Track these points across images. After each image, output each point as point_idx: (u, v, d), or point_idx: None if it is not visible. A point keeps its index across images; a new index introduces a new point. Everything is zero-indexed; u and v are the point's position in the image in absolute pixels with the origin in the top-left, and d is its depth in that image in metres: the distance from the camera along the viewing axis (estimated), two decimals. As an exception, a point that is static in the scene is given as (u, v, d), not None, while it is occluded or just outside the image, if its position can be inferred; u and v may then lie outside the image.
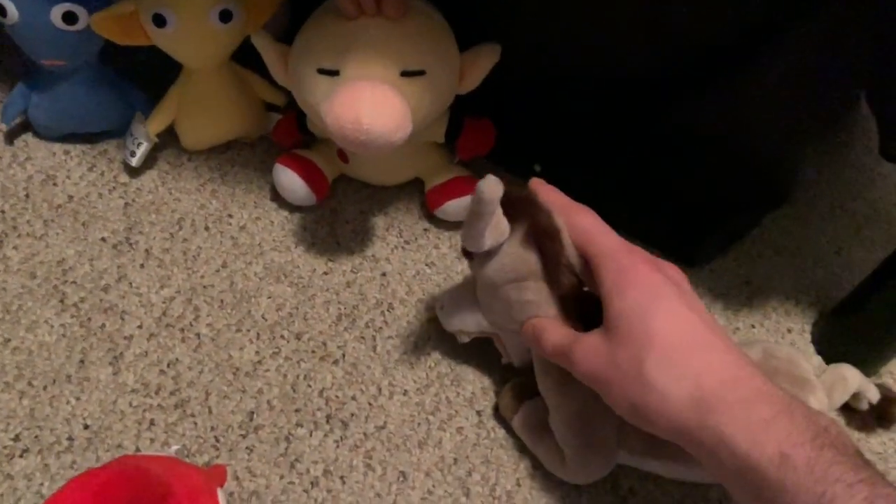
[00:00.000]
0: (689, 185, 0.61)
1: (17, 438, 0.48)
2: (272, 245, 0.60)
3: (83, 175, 0.62)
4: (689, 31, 0.50)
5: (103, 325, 0.53)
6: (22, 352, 0.51)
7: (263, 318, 0.56)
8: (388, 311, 0.57)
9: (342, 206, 0.63)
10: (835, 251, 0.66)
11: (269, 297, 0.57)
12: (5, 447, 0.47)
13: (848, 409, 0.54)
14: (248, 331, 0.55)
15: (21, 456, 0.47)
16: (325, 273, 0.59)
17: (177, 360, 0.53)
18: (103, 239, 0.58)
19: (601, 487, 0.50)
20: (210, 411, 0.51)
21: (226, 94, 0.61)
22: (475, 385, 0.54)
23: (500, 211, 0.40)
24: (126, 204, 0.61)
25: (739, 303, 0.62)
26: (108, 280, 0.56)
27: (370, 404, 0.52)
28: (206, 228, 0.60)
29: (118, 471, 0.31)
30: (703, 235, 0.62)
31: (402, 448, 0.51)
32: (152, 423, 0.50)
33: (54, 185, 0.61)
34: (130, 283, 0.56)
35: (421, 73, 0.51)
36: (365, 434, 0.51)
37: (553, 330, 0.43)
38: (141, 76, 0.63)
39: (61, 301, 0.54)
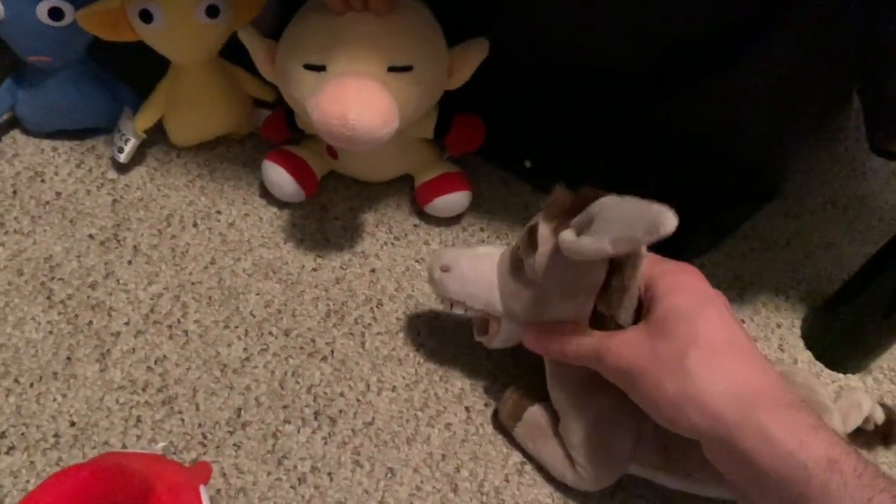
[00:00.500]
0: (678, 180, 0.60)
1: (2, 435, 0.48)
2: (261, 241, 0.60)
3: (71, 171, 0.62)
4: (677, 26, 0.50)
5: (90, 322, 0.53)
6: (8, 349, 0.51)
7: (252, 314, 0.55)
8: (377, 307, 0.57)
9: (331, 203, 0.63)
10: (825, 246, 0.66)
11: (258, 294, 0.57)
12: (-9, 444, 0.47)
13: (854, 430, 0.54)
14: (237, 327, 0.55)
15: (7, 453, 0.47)
16: (314, 269, 0.59)
17: (164, 356, 0.52)
18: (91, 236, 0.58)
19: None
20: (197, 408, 0.50)
21: (214, 90, 0.60)
22: (464, 381, 0.54)
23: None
24: (114, 200, 0.60)
25: (729, 298, 0.60)
26: (96, 277, 0.56)
27: (358, 401, 0.52)
28: (195, 225, 0.60)
29: (98, 468, 0.31)
30: (693, 230, 0.61)
31: (390, 444, 0.51)
32: (139, 420, 0.49)
33: (42, 181, 0.61)
34: (118, 280, 0.56)
35: (408, 68, 0.50)
36: (353, 430, 0.51)
37: (579, 331, 0.43)
38: (129, 72, 0.62)
39: (48, 298, 0.54)
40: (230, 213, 0.61)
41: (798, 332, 0.61)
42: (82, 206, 0.60)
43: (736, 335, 0.38)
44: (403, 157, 0.62)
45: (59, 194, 0.60)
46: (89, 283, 0.55)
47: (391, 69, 0.50)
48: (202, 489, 0.41)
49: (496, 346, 0.49)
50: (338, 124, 0.47)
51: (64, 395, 0.50)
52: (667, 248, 0.63)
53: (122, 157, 0.60)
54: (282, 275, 0.58)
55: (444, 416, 0.52)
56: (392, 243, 0.61)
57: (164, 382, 0.51)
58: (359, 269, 0.59)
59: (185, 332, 0.54)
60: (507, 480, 0.50)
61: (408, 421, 0.52)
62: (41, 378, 0.50)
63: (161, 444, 0.48)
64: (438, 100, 0.56)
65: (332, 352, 0.54)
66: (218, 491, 0.47)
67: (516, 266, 0.44)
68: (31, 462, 0.47)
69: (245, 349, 0.54)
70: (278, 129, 0.62)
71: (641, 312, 0.42)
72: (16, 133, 0.63)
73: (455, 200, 0.61)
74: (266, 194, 0.62)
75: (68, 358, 0.51)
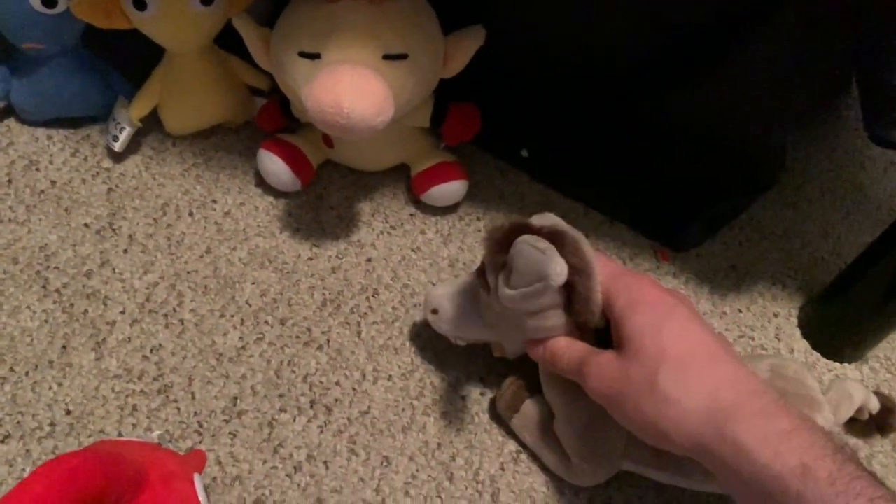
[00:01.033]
0: (675, 170, 0.60)
1: (-2, 424, 0.48)
2: (257, 231, 0.60)
3: (66, 160, 0.61)
4: (674, 17, 0.49)
5: (86, 311, 0.53)
6: (4, 337, 0.51)
7: (247, 303, 0.55)
8: (373, 296, 0.57)
9: (327, 192, 0.63)
10: (822, 235, 0.66)
11: (254, 283, 0.57)
12: (-13, 433, 0.47)
13: (849, 419, 0.54)
14: (232, 316, 0.55)
15: (3, 442, 0.47)
16: (310, 259, 0.59)
17: (160, 345, 0.52)
18: (86, 224, 0.58)
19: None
20: (193, 397, 0.51)
21: (209, 79, 0.60)
22: (459, 371, 0.54)
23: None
24: (109, 189, 0.60)
25: (726, 287, 0.62)
26: (91, 266, 0.56)
27: (354, 389, 0.52)
28: (191, 214, 0.60)
29: (90, 456, 0.31)
30: (690, 220, 0.62)
31: (385, 433, 0.51)
32: (135, 408, 0.50)
33: (37, 170, 0.60)
34: (113, 269, 0.56)
35: (403, 56, 0.50)
36: (349, 419, 0.51)
37: (567, 347, 0.43)
38: (123, 61, 0.62)
39: (43, 287, 0.54)
40: (226, 202, 0.61)
41: (795, 321, 0.61)
42: (77, 195, 0.59)
43: (702, 342, 0.38)
44: (399, 146, 0.62)
45: (53, 183, 0.60)
46: (84, 272, 0.55)
47: (386, 57, 0.49)
48: (196, 477, 0.41)
49: (512, 357, 0.50)
50: (332, 113, 0.46)
51: (59, 384, 0.50)
52: (663, 237, 0.64)
53: (117, 146, 0.60)
54: (278, 264, 0.58)
55: (439, 405, 0.52)
56: (388, 233, 0.61)
57: (160, 371, 0.51)
58: (355, 259, 0.59)
59: (181, 321, 0.54)
60: (503, 469, 0.50)
61: (403, 410, 0.52)
62: (37, 367, 0.50)
63: (157, 433, 0.49)
64: (434, 88, 0.56)
65: (328, 341, 0.54)
66: (213, 479, 0.47)
67: (483, 298, 0.45)
68: (27, 450, 0.47)
69: (241, 338, 0.54)
70: (273, 118, 0.62)
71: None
72: (10, 121, 0.63)
73: (451, 190, 0.61)
74: (262, 183, 0.62)
75: (64, 347, 0.51)
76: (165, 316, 0.54)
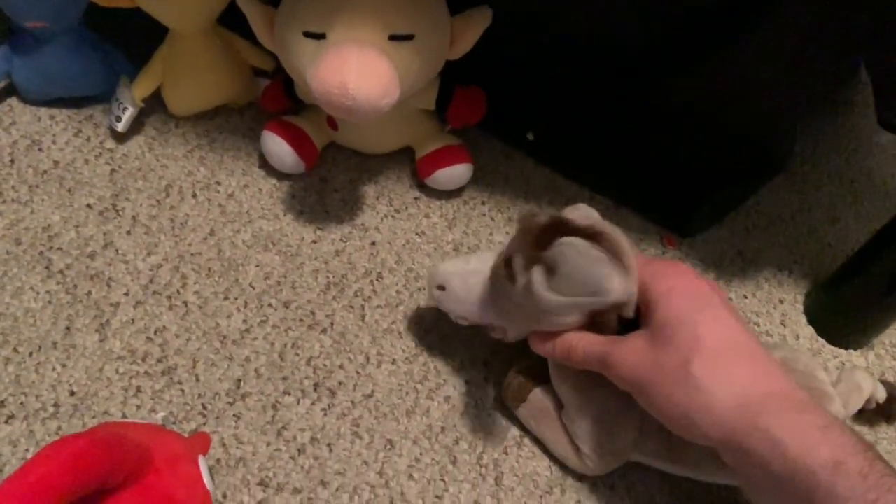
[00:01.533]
0: (683, 155, 0.60)
1: (2, 405, 0.48)
2: (260, 213, 0.59)
3: (69, 140, 0.61)
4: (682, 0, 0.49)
5: (89, 293, 0.53)
6: (7, 318, 0.51)
7: (251, 286, 0.55)
8: (376, 280, 0.57)
9: (331, 175, 0.63)
10: (830, 221, 0.66)
11: (258, 266, 0.56)
12: (-9, 413, 0.47)
13: None
14: (236, 299, 0.54)
15: (6, 422, 0.47)
16: (314, 242, 0.58)
17: (164, 327, 0.52)
18: (89, 205, 0.58)
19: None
20: (197, 379, 0.50)
21: (212, 59, 0.59)
22: (463, 355, 0.54)
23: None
24: (112, 170, 0.60)
25: (732, 273, 0.62)
26: (95, 247, 0.55)
27: (358, 373, 0.52)
28: (194, 196, 0.59)
29: (96, 437, 0.31)
30: (697, 205, 0.62)
31: (389, 416, 0.51)
32: (139, 390, 0.49)
33: (39, 150, 0.60)
34: (117, 251, 0.55)
35: (410, 37, 0.49)
36: (352, 402, 0.51)
37: (580, 338, 0.42)
38: (125, 40, 0.61)
39: (47, 268, 0.54)
40: (229, 183, 0.61)
41: (801, 307, 0.60)
42: (80, 176, 0.59)
43: (737, 335, 0.38)
44: (404, 128, 0.61)
45: (56, 163, 0.59)
46: (88, 253, 0.55)
47: (392, 38, 0.49)
48: (201, 459, 0.41)
49: (513, 340, 0.49)
50: (338, 94, 0.46)
51: (63, 365, 0.50)
52: (670, 222, 0.63)
53: (120, 126, 0.59)
54: (281, 246, 0.58)
55: (443, 389, 0.52)
56: (392, 216, 0.61)
57: (164, 353, 0.51)
58: (359, 242, 0.59)
59: (185, 303, 0.54)
60: (507, 453, 0.50)
61: (407, 393, 0.52)
62: (40, 348, 0.50)
63: (161, 415, 0.48)
64: (440, 71, 0.55)
65: (332, 324, 0.54)
66: (217, 461, 0.47)
67: (503, 286, 0.43)
68: (31, 431, 0.47)
69: (245, 321, 0.53)
70: (277, 99, 0.61)
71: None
72: (13, 101, 0.63)
73: (456, 173, 0.61)
74: (266, 165, 0.61)
75: (67, 328, 0.51)
76: (169, 298, 0.54)
